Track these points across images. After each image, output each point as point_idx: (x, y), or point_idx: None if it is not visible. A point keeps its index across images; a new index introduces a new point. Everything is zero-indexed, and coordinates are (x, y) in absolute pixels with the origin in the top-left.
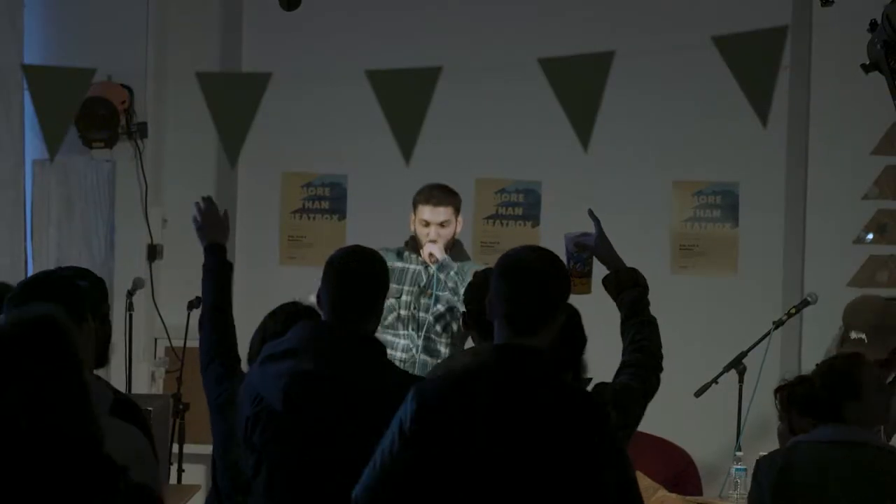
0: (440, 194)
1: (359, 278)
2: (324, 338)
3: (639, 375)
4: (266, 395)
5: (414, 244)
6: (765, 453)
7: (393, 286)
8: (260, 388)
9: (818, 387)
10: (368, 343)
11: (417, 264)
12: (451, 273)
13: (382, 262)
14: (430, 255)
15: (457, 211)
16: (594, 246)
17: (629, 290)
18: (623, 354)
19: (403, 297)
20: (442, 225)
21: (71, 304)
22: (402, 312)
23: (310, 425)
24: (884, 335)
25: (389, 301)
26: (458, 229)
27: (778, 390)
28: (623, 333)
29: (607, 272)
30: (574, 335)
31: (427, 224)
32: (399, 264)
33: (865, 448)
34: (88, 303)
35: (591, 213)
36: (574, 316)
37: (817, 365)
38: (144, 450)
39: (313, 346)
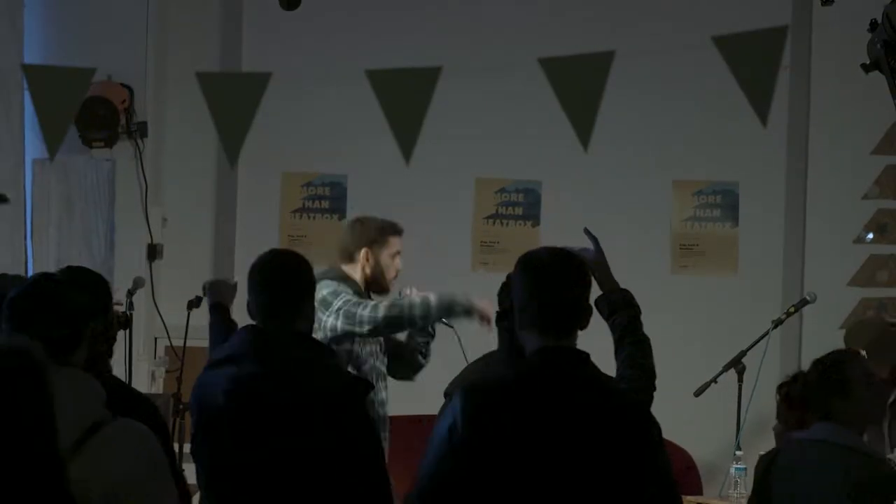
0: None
1: (283, 280)
2: (262, 340)
3: (632, 391)
4: (209, 401)
5: (375, 286)
6: (763, 453)
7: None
8: (202, 396)
9: (809, 382)
10: (307, 340)
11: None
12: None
13: (305, 263)
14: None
15: None
16: (591, 265)
17: (622, 311)
18: (617, 371)
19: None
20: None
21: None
22: (380, 367)
23: (253, 426)
24: (884, 352)
25: (369, 362)
26: None
27: (780, 387)
28: (616, 353)
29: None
30: None
31: (398, 255)
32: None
33: (851, 453)
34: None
35: (587, 231)
36: None
37: (813, 361)
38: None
39: (253, 349)
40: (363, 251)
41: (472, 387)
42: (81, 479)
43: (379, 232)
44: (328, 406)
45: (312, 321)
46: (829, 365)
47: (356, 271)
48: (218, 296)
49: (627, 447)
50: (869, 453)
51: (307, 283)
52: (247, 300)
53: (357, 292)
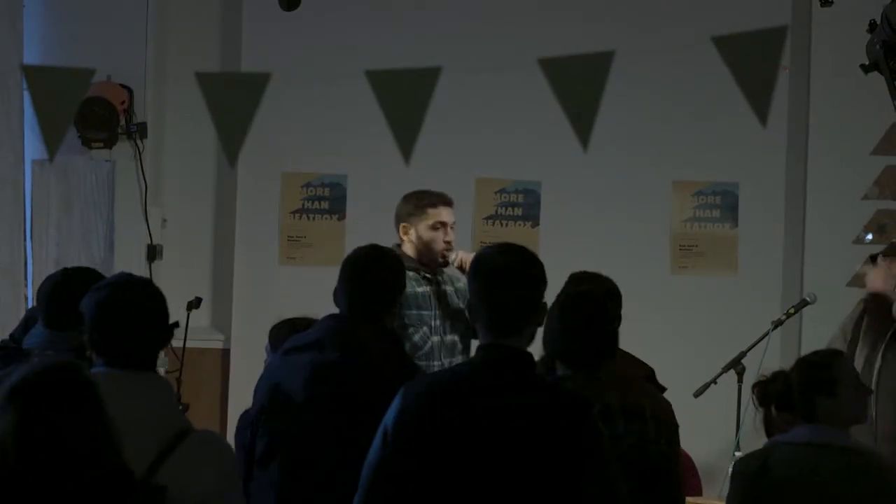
0: (446, 195)
1: (376, 276)
2: (347, 330)
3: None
4: (287, 384)
5: (427, 260)
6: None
7: (415, 313)
8: (281, 377)
9: (794, 382)
10: (389, 336)
11: (427, 285)
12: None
13: (399, 262)
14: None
15: None
16: None
17: None
18: None
19: (436, 323)
20: (452, 227)
21: None
22: (435, 339)
23: (329, 416)
24: None
25: (423, 330)
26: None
27: (754, 386)
28: None
29: None
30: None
31: (441, 226)
32: (416, 290)
33: (842, 451)
34: None
35: None
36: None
37: (796, 360)
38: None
39: (337, 339)
40: (401, 226)
41: (409, 385)
42: (173, 486)
43: (415, 205)
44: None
45: (395, 320)
46: (815, 364)
47: (409, 248)
48: None
49: (560, 447)
50: (865, 451)
51: (398, 284)
52: (334, 288)
53: (413, 268)
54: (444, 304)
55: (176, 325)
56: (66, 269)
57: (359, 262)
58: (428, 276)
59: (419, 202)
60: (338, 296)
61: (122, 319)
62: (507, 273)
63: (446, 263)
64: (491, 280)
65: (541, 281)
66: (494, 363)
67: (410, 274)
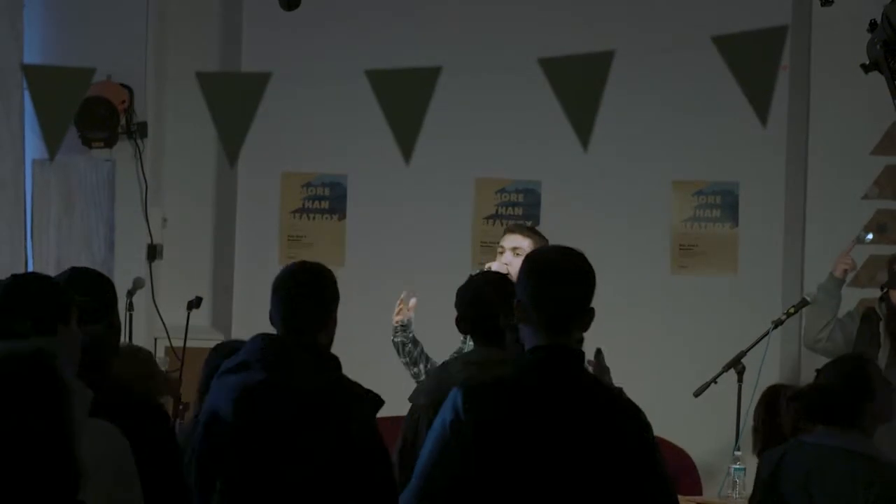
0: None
1: (307, 292)
2: (275, 349)
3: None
4: (218, 407)
5: None
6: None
7: None
8: (213, 401)
9: (837, 391)
10: (319, 354)
11: None
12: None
13: (330, 276)
14: None
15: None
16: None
17: None
18: None
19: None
20: (515, 251)
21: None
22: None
23: (260, 436)
24: None
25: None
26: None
27: (793, 399)
28: None
29: None
30: None
31: (503, 252)
32: None
33: (871, 461)
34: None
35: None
36: None
37: (824, 368)
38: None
39: (263, 357)
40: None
41: (472, 384)
42: None
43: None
44: (330, 419)
45: (332, 335)
46: (851, 370)
47: None
48: None
49: (626, 448)
50: (886, 463)
51: (331, 297)
52: (269, 310)
53: None
54: None
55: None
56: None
57: (289, 281)
58: None
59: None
60: (273, 318)
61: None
62: (567, 271)
63: None
64: (549, 278)
65: (594, 285)
66: (549, 363)
67: None
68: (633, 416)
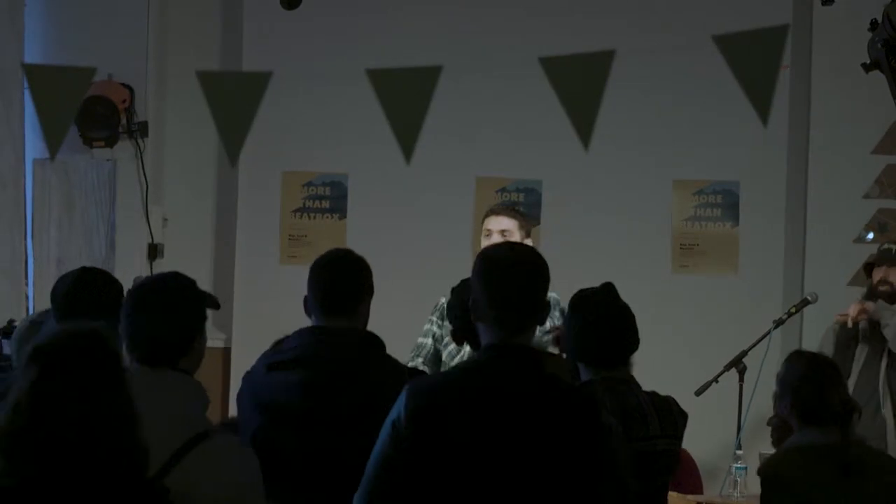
0: (497, 205)
1: (344, 280)
2: (327, 343)
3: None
4: (279, 402)
5: None
6: (765, 451)
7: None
8: (271, 396)
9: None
10: (370, 341)
11: None
12: None
13: (366, 265)
14: None
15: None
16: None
17: None
18: None
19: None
20: (503, 233)
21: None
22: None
23: (329, 429)
24: None
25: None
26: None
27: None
28: None
29: None
30: None
31: (488, 234)
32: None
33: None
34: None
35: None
36: None
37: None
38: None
39: (315, 353)
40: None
41: (417, 383)
42: (180, 490)
43: (483, 217)
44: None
45: (367, 321)
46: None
47: None
48: None
49: (573, 450)
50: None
51: (367, 287)
52: (304, 296)
53: None
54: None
55: (202, 319)
56: (84, 268)
57: (324, 268)
58: None
59: (485, 215)
60: (307, 304)
61: (153, 318)
62: (519, 270)
63: None
64: (502, 276)
65: (548, 280)
66: (500, 361)
67: None
68: (587, 420)
